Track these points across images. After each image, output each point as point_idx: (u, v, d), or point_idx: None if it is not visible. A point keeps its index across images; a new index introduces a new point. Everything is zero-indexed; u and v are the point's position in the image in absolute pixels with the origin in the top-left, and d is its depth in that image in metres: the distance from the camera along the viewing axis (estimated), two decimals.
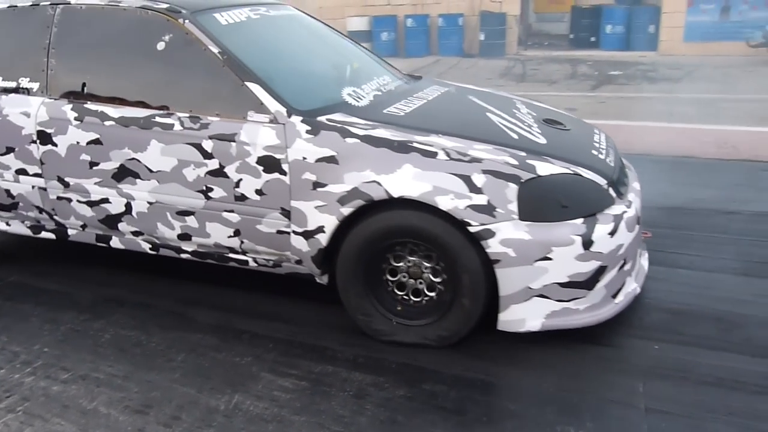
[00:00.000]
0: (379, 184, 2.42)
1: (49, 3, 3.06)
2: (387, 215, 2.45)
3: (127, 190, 2.91)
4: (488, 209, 2.31)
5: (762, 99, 7.37)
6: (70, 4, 3.02)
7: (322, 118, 2.59)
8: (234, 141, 2.63)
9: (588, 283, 2.37)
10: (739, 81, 9.00)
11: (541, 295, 2.36)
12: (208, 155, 2.68)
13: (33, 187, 3.12)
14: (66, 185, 3.03)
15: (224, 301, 2.98)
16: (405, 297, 2.58)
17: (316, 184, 2.54)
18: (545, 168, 2.42)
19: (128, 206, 2.94)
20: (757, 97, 7.52)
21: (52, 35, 3.01)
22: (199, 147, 2.69)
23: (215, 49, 2.70)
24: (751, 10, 12.74)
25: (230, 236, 2.81)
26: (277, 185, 2.60)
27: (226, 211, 2.75)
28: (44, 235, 3.26)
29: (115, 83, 2.91)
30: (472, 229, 2.31)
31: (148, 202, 2.89)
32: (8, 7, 3.17)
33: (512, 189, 2.33)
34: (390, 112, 2.79)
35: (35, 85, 3.02)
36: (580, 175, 2.46)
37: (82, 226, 3.13)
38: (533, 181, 2.36)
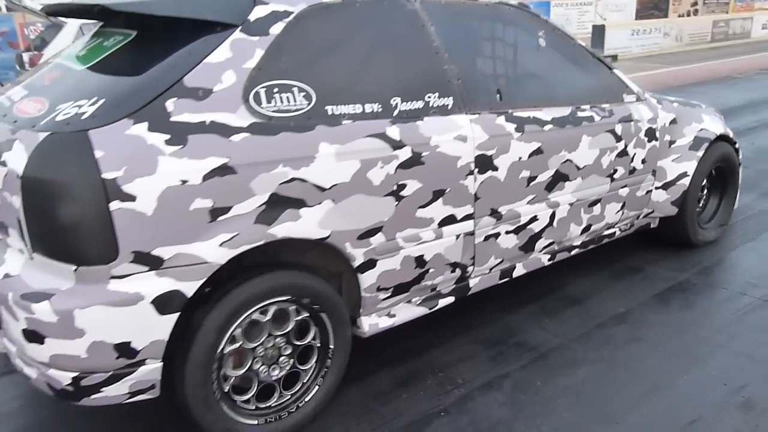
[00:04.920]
0: (706, 129, 3.46)
1: None
2: (712, 149, 3.45)
3: (555, 199, 2.78)
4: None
5: None
6: None
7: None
8: (632, 121, 3.05)
9: None
10: None
11: None
12: (618, 138, 2.98)
13: (457, 236, 2.45)
14: (498, 217, 2.57)
15: None
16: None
17: (670, 143, 3.32)
18: None
19: (552, 217, 2.80)
20: None
21: (434, 36, 2.37)
22: (613, 133, 2.95)
23: (582, 42, 2.99)
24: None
25: (617, 212, 3.14)
26: (651, 151, 3.20)
27: (621, 188, 3.09)
28: (441, 304, 2.56)
29: (518, 83, 2.76)
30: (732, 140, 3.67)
31: (569, 204, 2.86)
32: None
33: None
34: None
35: (448, 101, 2.35)
36: None
37: (491, 268, 2.67)
38: None
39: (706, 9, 21.72)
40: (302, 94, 2.02)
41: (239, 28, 1.98)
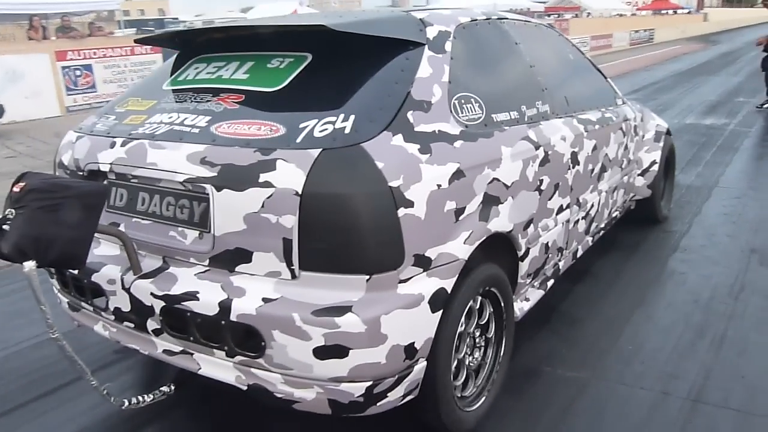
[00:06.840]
0: (660, 125, 4.37)
1: (496, 18, 2.78)
2: (665, 140, 4.31)
3: (600, 187, 3.26)
4: None
5: None
6: (507, 18, 2.89)
7: None
8: (627, 119, 3.72)
9: None
10: None
11: None
12: (624, 135, 3.64)
13: (563, 224, 2.82)
14: (579, 205, 2.99)
15: None
16: None
17: (643, 136, 4.09)
18: None
19: (598, 203, 3.26)
20: None
21: (523, 52, 2.78)
22: (622, 130, 3.59)
23: (587, 55, 3.67)
24: None
25: (622, 196, 3.75)
26: (636, 145, 3.94)
27: (625, 176, 3.71)
28: (548, 285, 2.89)
29: (570, 90, 3.10)
30: None
31: (605, 192, 3.35)
32: (471, 20, 2.54)
33: None
34: None
35: (546, 107, 2.74)
36: None
37: (570, 251, 3.05)
38: None
39: None
40: (477, 104, 2.24)
41: (426, 46, 2.15)
